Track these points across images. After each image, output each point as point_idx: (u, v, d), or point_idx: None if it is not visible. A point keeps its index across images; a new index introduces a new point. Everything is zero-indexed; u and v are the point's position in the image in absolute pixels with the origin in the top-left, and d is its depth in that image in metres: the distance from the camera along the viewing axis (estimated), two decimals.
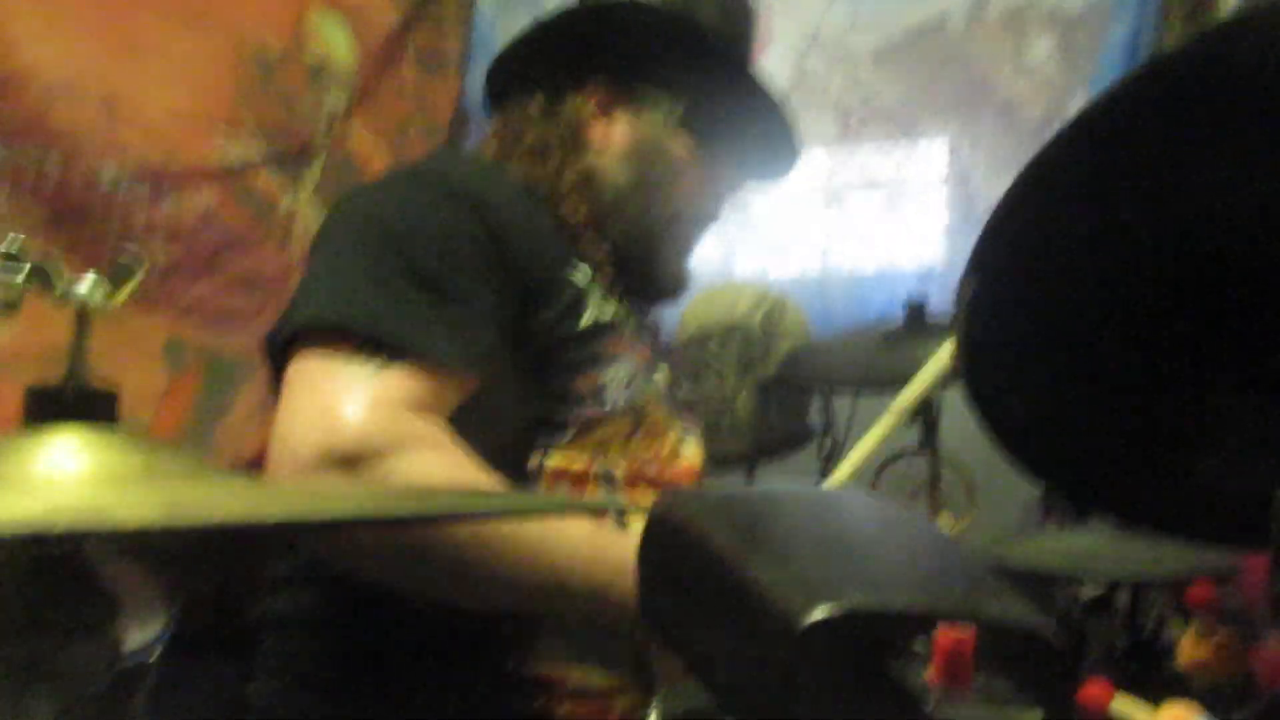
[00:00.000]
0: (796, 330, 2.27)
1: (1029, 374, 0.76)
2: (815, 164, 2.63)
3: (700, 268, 1.46)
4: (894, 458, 1.95)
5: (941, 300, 1.78)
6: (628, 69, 1.32)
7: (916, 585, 0.57)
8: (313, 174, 2.31)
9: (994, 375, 0.75)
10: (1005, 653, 0.53)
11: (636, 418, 1.21)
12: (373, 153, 2.46)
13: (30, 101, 1.87)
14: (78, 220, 1.92)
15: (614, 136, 1.32)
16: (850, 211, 2.67)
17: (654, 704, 0.85)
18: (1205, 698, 0.77)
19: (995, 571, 0.60)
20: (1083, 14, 2.52)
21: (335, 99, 2.36)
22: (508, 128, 1.33)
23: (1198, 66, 0.63)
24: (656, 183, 1.32)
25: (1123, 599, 1.28)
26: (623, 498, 1.18)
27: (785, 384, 2.18)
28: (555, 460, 1.16)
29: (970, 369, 0.74)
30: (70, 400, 0.62)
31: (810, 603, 0.52)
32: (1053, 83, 2.53)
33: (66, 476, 0.59)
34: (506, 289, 1.13)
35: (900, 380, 1.41)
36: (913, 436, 1.88)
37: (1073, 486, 0.84)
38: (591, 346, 1.19)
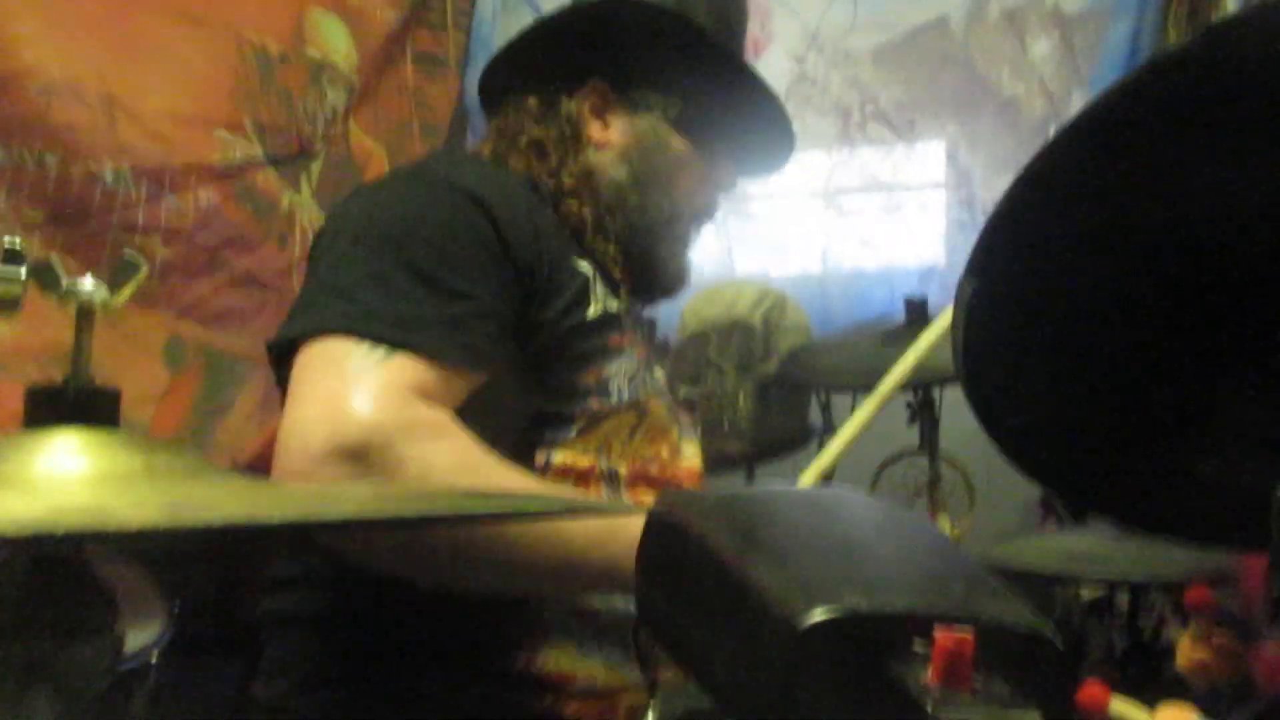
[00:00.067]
0: (797, 329, 2.27)
1: (1028, 375, 0.76)
2: (815, 164, 2.63)
3: (701, 266, 1.46)
4: (894, 458, 1.95)
5: (941, 300, 1.78)
6: (625, 68, 1.33)
7: (916, 587, 0.57)
8: (313, 174, 2.31)
9: (993, 376, 0.75)
10: (1004, 654, 0.53)
11: (639, 413, 1.22)
12: (373, 152, 2.46)
13: (30, 101, 1.87)
14: (78, 220, 1.92)
15: (613, 134, 1.32)
16: (850, 211, 2.66)
17: (653, 704, 0.85)
18: (1204, 699, 0.77)
19: (994, 573, 0.60)
20: (1083, 14, 2.52)
21: (335, 99, 2.36)
22: (507, 127, 1.33)
23: (1198, 66, 0.63)
24: (656, 179, 1.32)
25: (1122, 601, 1.28)
26: (625, 498, 1.19)
27: (785, 383, 2.18)
28: (560, 457, 1.16)
29: (969, 370, 0.74)
30: (71, 400, 0.62)
31: (810, 604, 0.52)
32: (1053, 83, 2.53)
33: (67, 476, 0.59)
34: (510, 285, 1.13)
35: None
36: (913, 437, 1.88)
37: (1072, 488, 0.84)
38: (597, 339, 1.20)
